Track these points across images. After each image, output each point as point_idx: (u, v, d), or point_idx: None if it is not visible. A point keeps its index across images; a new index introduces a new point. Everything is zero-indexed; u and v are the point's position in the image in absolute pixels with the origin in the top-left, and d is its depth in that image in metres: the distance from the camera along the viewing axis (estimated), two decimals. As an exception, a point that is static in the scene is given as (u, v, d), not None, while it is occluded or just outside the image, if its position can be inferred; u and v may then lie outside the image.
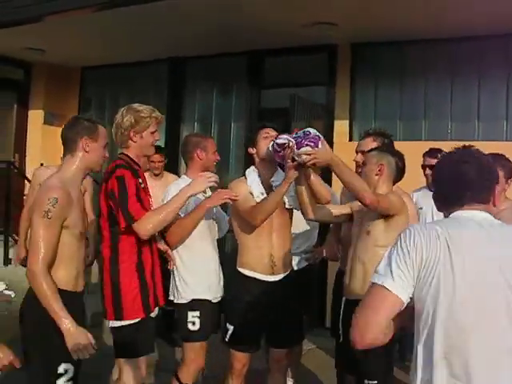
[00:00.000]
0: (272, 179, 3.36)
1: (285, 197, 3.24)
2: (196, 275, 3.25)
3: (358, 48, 6.35)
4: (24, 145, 8.28)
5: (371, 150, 3.21)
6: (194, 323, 3.21)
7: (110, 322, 2.91)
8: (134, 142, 3.00)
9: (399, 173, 3.13)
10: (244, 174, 3.47)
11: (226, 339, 3.33)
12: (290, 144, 2.97)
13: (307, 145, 2.94)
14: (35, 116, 8.17)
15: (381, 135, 3.46)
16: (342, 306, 3.11)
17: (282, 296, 3.32)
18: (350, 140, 6.25)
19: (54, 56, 7.38)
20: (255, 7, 5.33)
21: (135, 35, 6.33)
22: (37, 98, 8.16)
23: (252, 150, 3.40)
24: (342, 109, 6.40)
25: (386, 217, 2.96)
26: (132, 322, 2.87)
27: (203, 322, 3.26)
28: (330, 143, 6.17)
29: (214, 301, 3.36)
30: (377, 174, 3.05)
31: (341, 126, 6.38)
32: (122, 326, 2.88)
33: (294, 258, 3.66)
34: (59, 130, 8.15)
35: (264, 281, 3.30)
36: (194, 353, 3.28)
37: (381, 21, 5.44)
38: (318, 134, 2.99)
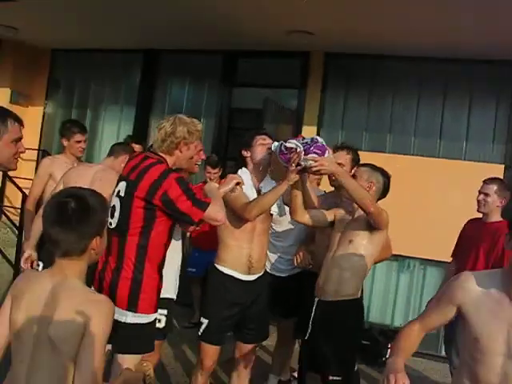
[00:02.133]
0: (261, 185, 3.50)
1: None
2: (165, 274, 3.18)
3: (331, 57, 6.49)
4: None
5: (364, 164, 3.41)
6: (160, 321, 3.20)
7: (126, 317, 2.86)
8: (181, 152, 3.03)
9: (384, 192, 3.34)
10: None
11: (199, 333, 3.42)
12: (298, 150, 3.09)
13: (315, 152, 3.07)
14: (1, 94, 8.02)
15: (352, 148, 3.75)
16: (315, 306, 3.28)
17: (255, 294, 3.47)
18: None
19: (25, 35, 7.24)
20: (230, 11, 5.38)
21: (111, 22, 6.29)
22: (4, 76, 8.00)
23: (246, 153, 3.49)
24: (311, 115, 6.53)
25: (371, 230, 3.17)
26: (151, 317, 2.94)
27: (168, 321, 3.31)
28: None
29: (174, 298, 3.42)
30: (366, 190, 3.20)
31: (308, 132, 6.50)
32: (143, 322, 2.88)
33: (286, 263, 4.09)
34: (26, 109, 8.09)
35: (240, 279, 3.42)
36: (155, 349, 3.28)
37: (355, 34, 5.58)
38: (324, 143, 3.12)
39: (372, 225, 3.16)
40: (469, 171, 5.76)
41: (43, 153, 7.66)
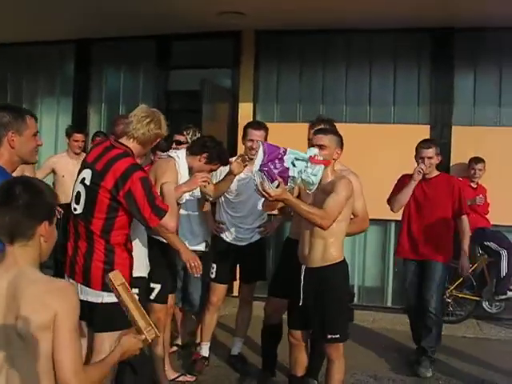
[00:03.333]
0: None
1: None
2: (136, 254, 3.26)
3: (262, 35, 6.72)
4: None
5: (322, 130, 3.53)
6: None
7: (102, 298, 2.98)
8: (151, 144, 3.20)
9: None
10: None
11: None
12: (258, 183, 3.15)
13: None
14: None
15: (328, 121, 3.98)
16: (303, 273, 3.46)
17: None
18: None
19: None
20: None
21: (40, 13, 6.23)
22: None
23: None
24: (246, 92, 6.75)
25: None
26: None
27: (140, 298, 3.35)
28: (235, 125, 6.56)
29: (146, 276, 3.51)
30: (334, 158, 3.42)
31: (245, 109, 6.73)
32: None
33: (250, 232, 4.43)
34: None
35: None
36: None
37: (285, 11, 5.79)
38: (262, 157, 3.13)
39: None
40: (398, 133, 6.17)
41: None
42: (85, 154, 5.09)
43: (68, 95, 7.58)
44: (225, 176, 4.07)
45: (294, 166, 3.14)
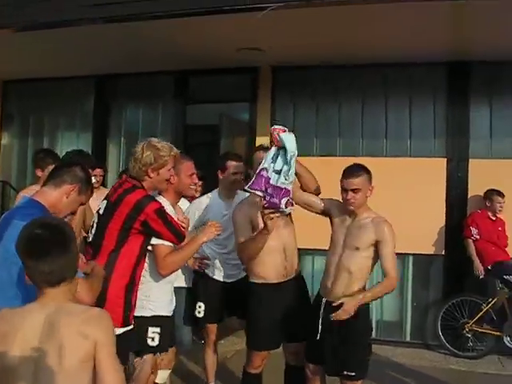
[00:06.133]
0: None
1: None
2: (156, 293, 3.27)
3: (279, 70, 6.81)
4: None
5: (353, 172, 3.43)
6: (153, 339, 3.25)
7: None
8: (151, 178, 3.16)
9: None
10: None
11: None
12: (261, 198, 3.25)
13: (273, 198, 3.18)
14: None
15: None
16: (323, 306, 3.42)
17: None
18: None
19: (-26, 69, 7.30)
20: (179, 37, 5.60)
21: (60, 52, 6.39)
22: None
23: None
24: (263, 126, 6.80)
25: (376, 243, 3.36)
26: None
27: (162, 339, 3.30)
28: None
29: (170, 314, 3.45)
30: (367, 196, 3.43)
31: (262, 142, 6.75)
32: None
33: (237, 268, 4.33)
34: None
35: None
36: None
37: (301, 48, 5.87)
38: (266, 166, 3.24)
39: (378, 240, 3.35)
40: (415, 167, 6.18)
41: (3, 184, 7.73)
42: (104, 189, 5.22)
43: (87, 130, 7.71)
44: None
45: (276, 173, 3.20)
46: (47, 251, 1.86)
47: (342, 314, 3.20)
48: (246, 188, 3.34)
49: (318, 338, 3.40)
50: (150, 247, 3.20)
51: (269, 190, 3.16)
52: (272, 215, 3.20)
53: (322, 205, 3.61)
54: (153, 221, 3.00)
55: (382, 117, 6.57)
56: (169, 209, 3.28)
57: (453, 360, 5.76)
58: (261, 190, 3.19)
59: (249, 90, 6.95)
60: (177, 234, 3.13)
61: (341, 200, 3.50)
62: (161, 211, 3.06)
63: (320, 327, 3.41)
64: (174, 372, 4.19)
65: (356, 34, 5.41)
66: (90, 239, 3.11)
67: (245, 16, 4.62)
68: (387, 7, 4.55)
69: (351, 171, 3.41)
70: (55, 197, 2.62)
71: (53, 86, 7.79)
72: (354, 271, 3.36)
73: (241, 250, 3.58)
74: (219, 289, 4.34)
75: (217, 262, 4.35)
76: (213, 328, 4.43)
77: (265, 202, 3.17)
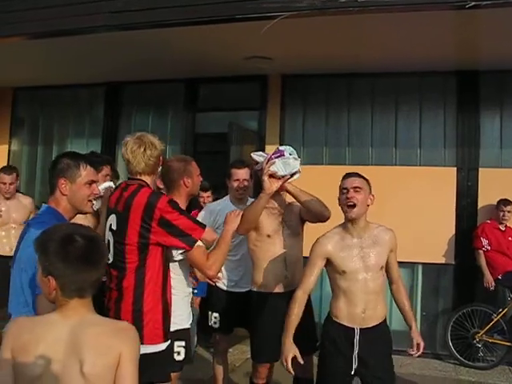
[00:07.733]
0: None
1: None
2: (178, 307, 3.20)
3: (288, 78, 6.83)
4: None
5: (359, 175, 3.35)
6: (179, 353, 3.19)
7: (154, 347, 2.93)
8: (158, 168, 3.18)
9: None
10: None
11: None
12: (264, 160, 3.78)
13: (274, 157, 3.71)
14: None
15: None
16: (357, 337, 3.20)
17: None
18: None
19: (-14, 76, 7.35)
20: (189, 46, 5.62)
21: (71, 60, 6.42)
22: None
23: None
24: (272, 134, 6.83)
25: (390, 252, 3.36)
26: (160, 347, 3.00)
27: (187, 352, 3.27)
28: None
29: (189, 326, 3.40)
30: (368, 205, 3.31)
31: (271, 151, 6.76)
32: (149, 352, 2.87)
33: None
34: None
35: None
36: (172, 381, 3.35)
37: (311, 57, 5.91)
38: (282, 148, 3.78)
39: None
40: (424, 175, 6.16)
41: (12, 190, 7.73)
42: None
43: (97, 137, 7.73)
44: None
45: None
46: (94, 261, 1.85)
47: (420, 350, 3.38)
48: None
49: (353, 372, 3.20)
50: (181, 256, 3.10)
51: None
52: (271, 171, 3.61)
53: (317, 270, 3.31)
54: (168, 213, 2.88)
55: (391, 126, 6.57)
56: None
57: (463, 370, 5.73)
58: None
59: (258, 99, 6.97)
60: (196, 221, 3.03)
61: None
62: (173, 202, 2.98)
63: (356, 360, 3.19)
64: (183, 381, 4.14)
65: (367, 43, 5.42)
66: (111, 260, 2.96)
67: (256, 24, 4.64)
68: (399, 16, 4.56)
69: (351, 173, 3.35)
70: (58, 199, 2.58)
71: (63, 93, 7.85)
72: (381, 290, 3.28)
73: (241, 222, 3.37)
74: (230, 299, 4.35)
75: (229, 272, 4.34)
76: (226, 338, 4.44)
77: (268, 156, 3.69)
